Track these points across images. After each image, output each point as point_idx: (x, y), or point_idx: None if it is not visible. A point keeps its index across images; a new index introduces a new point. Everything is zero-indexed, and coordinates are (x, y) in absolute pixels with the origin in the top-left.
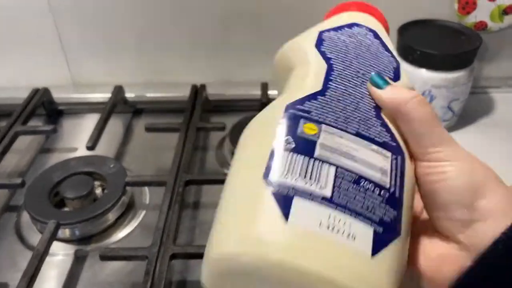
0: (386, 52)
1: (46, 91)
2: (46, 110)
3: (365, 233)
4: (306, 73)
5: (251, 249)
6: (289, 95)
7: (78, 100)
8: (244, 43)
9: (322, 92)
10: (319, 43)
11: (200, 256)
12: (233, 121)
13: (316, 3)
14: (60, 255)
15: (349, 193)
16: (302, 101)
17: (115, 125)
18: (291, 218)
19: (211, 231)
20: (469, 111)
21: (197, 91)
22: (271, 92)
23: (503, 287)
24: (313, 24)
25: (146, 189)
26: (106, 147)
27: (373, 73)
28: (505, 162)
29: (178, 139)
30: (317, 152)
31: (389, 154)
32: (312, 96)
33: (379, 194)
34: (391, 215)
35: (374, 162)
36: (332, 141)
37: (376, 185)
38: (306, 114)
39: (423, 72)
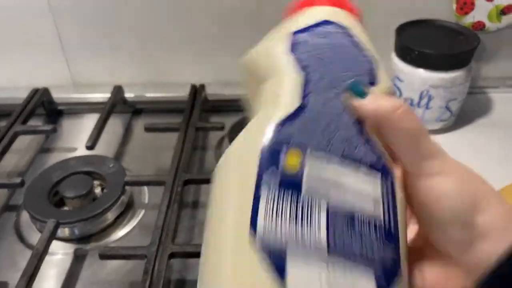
0: (362, 52)
1: (46, 91)
2: (45, 110)
3: (367, 281)
4: (281, 86)
5: None
6: (265, 116)
7: (77, 100)
8: (244, 43)
9: (301, 110)
10: (293, 48)
11: (199, 255)
12: (232, 121)
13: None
14: (60, 254)
15: (345, 235)
16: (280, 124)
17: (114, 125)
18: (289, 284)
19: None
20: (467, 111)
21: (196, 91)
22: None
23: None
24: None
25: (145, 188)
26: (105, 147)
27: (351, 82)
28: (503, 162)
29: (177, 139)
30: (305, 187)
31: (378, 175)
32: (291, 117)
33: (375, 231)
34: (390, 254)
35: (365, 191)
36: (319, 170)
37: (371, 220)
38: (286, 140)
39: (421, 72)
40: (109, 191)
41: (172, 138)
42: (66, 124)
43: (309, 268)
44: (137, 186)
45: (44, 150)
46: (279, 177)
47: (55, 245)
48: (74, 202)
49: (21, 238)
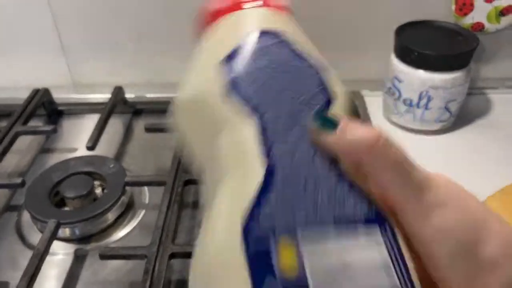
0: (306, 63)
1: (46, 92)
2: (46, 110)
3: None
4: (237, 144)
5: None
6: (232, 195)
7: (78, 101)
8: None
9: (271, 175)
10: (232, 85)
11: None
12: None
13: (316, 3)
14: (60, 254)
15: None
16: (256, 205)
17: (115, 126)
18: None
19: None
20: (466, 112)
21: None
22: None
23: None
24: (313, 24)
25: (146, 189)
26: (106, 147)
27: (314, 113)
28: (502, 163)
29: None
30: (312, 285)
31: (376, 230)
32: (264, 190)
33: None
34: None
35: (372, 261)
36: (320, 258)
37: None
38: (270, 227)
39: (421, 73)
40: (109, 192)
41: (172, 139)
42: (67, 124)
43: None
44: (137, 187)
45: (45, 150)
46: (279, 282)
47: (56, 245)
48: (75, 203)
49: (22, 238)
